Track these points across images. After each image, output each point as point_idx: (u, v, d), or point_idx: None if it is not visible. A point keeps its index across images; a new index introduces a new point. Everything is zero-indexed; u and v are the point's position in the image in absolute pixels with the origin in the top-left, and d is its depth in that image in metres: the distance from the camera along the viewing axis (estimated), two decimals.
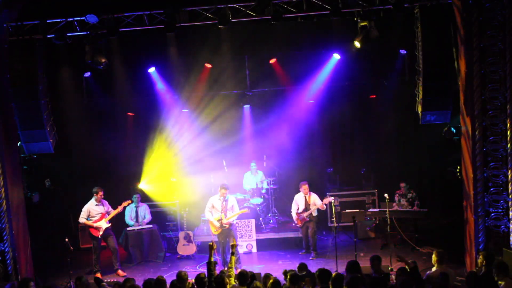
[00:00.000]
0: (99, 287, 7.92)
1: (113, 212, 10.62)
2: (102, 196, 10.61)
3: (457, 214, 10.13)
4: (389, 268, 9.24)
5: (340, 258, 9.75)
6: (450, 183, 11.57)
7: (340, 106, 13.40)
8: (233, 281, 7.16)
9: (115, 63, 11.38)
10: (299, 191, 11.14)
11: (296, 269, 7.39)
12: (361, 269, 7.17)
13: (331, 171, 13.50)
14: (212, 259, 7.39)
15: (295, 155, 13.70)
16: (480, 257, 7.37)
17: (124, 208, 10.92)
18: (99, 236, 10.49)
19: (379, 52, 11.59)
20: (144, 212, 11.64)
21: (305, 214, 10.93)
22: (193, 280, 7.07)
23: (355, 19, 9.45)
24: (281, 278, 7.16)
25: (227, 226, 10.29)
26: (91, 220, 10.51)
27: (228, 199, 10.45)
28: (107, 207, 10.70)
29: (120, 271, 10.58)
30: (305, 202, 11.03)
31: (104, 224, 10.52)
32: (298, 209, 11.08)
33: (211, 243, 7.63)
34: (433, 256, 7.55)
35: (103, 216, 10.55)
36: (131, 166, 13.36)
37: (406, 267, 7.08)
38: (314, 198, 11.03)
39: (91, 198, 10.65)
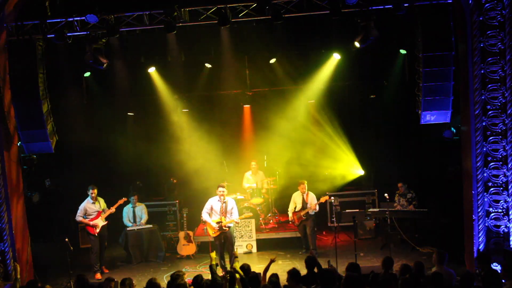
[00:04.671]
0: None
1: (108, 211, 10.77)
2: (96, 194, 10.69)
3: (457, 214, 10.13)
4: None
5: (340, 258, 9.74)
6: (450, 183, 11.57)
7: (340, 106, 13.40)
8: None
9: (115, 63, 11.37)
10: (297, 190, 11.16)
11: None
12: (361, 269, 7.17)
13: (330, 171, 13.51)
14: (214, 262, 7.71)
15: (295, 155, 13.69)
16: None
17: (120, 205, 11.01)
18: (96, 234, 10.61)
19: (379, 52, 11.59)
20: (141, 212, 11.62)
21: (302, 213, 10.93)
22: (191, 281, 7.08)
23: (355, 19, 9.45)
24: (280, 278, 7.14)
25: (227, 229, 10.11)
26: (87, 218, 10.63)
27: (228, 201, 10.23)
28: (103, 205, 10.82)
29: (103, 268, 10.81)
30: (302, 200, 11.04)
31: (100, 222, 10.65)
32: (295, 208, 11.08)
33: (212, 254, 8.06)
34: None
35: (99, 214, 10.68)
36: (131, 165, 13.36)
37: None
38: (311, 198, 11.03)
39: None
